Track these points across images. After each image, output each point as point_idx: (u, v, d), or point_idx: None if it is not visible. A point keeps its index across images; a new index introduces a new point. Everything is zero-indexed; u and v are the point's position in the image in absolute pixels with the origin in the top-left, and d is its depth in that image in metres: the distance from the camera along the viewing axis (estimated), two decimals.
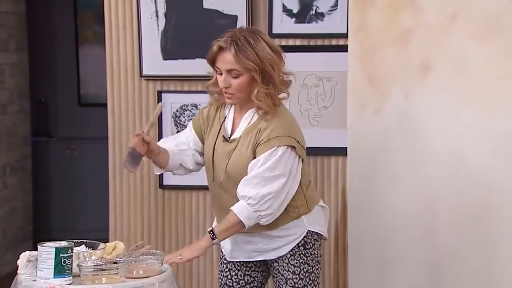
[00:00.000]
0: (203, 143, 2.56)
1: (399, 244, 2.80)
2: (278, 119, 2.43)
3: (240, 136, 2.45)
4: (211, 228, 2.42)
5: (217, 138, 2.50)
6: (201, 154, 2.58)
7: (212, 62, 2.43)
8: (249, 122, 2.45)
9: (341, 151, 3.17)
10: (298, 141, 2.44)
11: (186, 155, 2.56)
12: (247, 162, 2.42)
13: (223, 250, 2.60)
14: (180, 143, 2.57)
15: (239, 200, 2.42)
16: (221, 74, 2.41)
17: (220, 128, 2.50)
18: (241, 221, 2.39)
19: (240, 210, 2.39)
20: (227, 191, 2.47)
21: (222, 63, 2.39)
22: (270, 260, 2.54)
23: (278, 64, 2.41)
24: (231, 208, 2.41)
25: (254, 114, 2.45)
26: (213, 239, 2.41)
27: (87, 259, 2.31)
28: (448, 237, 2.68)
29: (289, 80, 2.47)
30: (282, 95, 2.48)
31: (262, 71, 2.37)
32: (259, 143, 2.41)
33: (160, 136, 3.48)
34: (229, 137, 2.48)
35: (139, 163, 2.47)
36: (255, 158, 2.42)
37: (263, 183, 2.38)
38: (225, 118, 2.51)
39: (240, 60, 2.36)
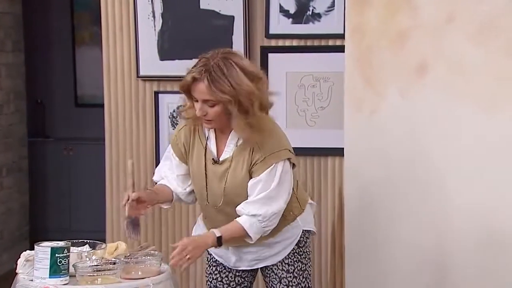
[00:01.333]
0: (186, 164, 2.52)
1: (396, 243, 2.80)
2: (267, 133, 2.40)
3: (232, 156, 2.42)
4: (220, 235, 2.39)
5: (205, 162, 2.46)
6: (186, 175, 2.53)
7: (187, 91, 2.37)
8: (237, 141, 2.42)
9: (338, 152, 3.17)
10: (289, 150, 2.44)
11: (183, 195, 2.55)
12: (243, 182, 2.41)
13: (221, 259, 2.59)
14: (176, 185, 2.54)
15: (238, 216, 2.41)
16: (197, 101, 2.36)
17: (205, 151, 2.46)
18: (250, 236, 2.40)
19: (250, 225, 2.39)
20: (223, 212, 2.46)
21: (197, 93, 2.34)
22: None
23: (255, 93, 2.31)
24: (241, 222, 2.39)
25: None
26: (219, 244, 2.40)
27: (87, 259, 2.31)
28: (447, 235, 2.69)
29: (270, 102, 2.40)
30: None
31: (238, 102, 2.30)
32: (255, 162, 2.39)
33: (157, 139, 3.47)
34: (218, 159, 2.45)
35: (140, 226, 2.44)
36: (251, 177, 2.41)
37: (270, 201, 2.39)
38: (207, 138, 2.47)
39: (214, 92, 2.30)
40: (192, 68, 2.36)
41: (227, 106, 2.32)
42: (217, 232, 2.38)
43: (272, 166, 2.38)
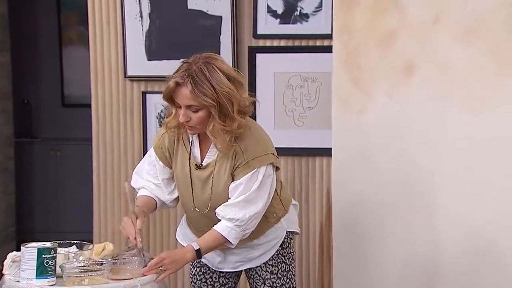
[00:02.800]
0: (170, 168, 2.50)
1: (384, 243, 2.81)
2: (251, 138, 2.39)
3: (216, 161, 2.41)
4: (198, 247, 2.38)
5: (190, 167, 2.45)
6: (170, 179, 2.52)
7: (170, 98, 2.36)
8: (220, 146, 2.40)
9: (326, 152, 3.17)
10: (273, 154, 2.43)
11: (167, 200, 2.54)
12: (227, 187, 2.40)
13: (205, 260, 2.58)
14: (161, 192, 2.52)
15: (219, 220, 2.40)
16: (180, 107, 2.34)
17: (189, 156, 2.45)
18: (230, 242, 2.40)
19: (228, 232, 2.38)
20: (208, 217, 2.45)
21: (180, 98, 2.33)
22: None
23: (236, 96, 2.32)
24: (218, 230, 2.39)
25: (228, 139, 2.38)
26: (198, 257, 2.40)
27: (74, 259, 2.30)
28: (434, 237, 2.70)
29: (248, 106, 2.38)
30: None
31: (219, 106, 2.30)
32: (237, 166, 2.38)
33: (144, 139, 3.47)
34: (201, 164, 2.44)
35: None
36: (233, 180, 2.40)
37: (248, 205, 2.38)
38: (191, 143, 2.46)
39: (197, 96, 2.29)
40: (174, 73, 2.35)
41: (210, 110, 2.31)
42: (195, 245, 2.38)
43: (254, 170, 2.37)
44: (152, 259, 2.33)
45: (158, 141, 2.50)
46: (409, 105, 2.72)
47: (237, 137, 2.38)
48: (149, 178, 2.52)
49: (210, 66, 2.32)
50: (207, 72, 2.30)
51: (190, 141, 2.46)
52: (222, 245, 2.42)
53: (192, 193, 2.46)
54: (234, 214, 2.37)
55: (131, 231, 2.34)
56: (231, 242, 2.40)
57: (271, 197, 2.44)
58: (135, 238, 2.33)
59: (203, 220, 2.47)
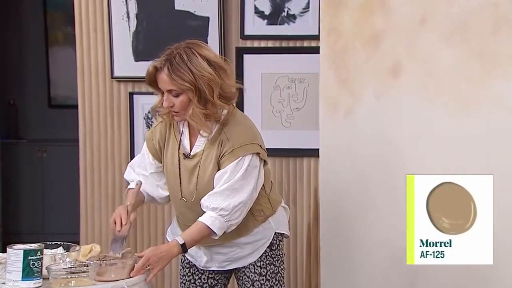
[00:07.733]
0: (160, 162, 2.51)
1: (370, 245, 2.82)
2: (237, 127, 2.40)
3: (203, 150, 2.42)
4: (183, 241, 2.37)
5: (179, 157, 2.46)
6: (159, 173, 2.53)
7: (153, 84, 2.38)
8: (208, 135, 2.41)
9: (313, 152, 3.18)
10: (260, 146, 2.43)
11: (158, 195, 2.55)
12: (212, 176, 2.40)
13: (193, 259, 2.58)
14: (151, 187, 2.54)
15: (204, 213, 2.39)
16: (163, 93, 2.37)
17: (179, 146, 2.46)
18: (214, 232, 2.38)
19: (212, 222, 2.37)
20: (195, 210, 2.44)
21: (161, 83, 2.35)
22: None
23: (216, 81, 2.32)
24: (203, 221, 2.38)
25: (212, 126, 2.41)
26: (184, 251, 2.39)
27: (61, 261, 2.29)
28: None
29: (233, 92, 2.38)
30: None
31: (198, 91, 2.31)
32: (223, 154, 2.38)
33: (132, 140, 3.46)
34: (189, 153, 2.45)
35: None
36: (219, 169, 2.40)
37: (233, 194, 2.37)
38: (181, 134, 2.47)
39: (174, 80, 2.31)
40: (156, 59, 2.38)
41: (190, 95, 2.33)
42: (180, 240, 2.37)
43: (239, 159, 2.37)
44: (140, 257, 2.32)
45: (151, 133, 2.53)
46: (395, 106, 2.73)
47: (224, 125, 2.39)
48: (139, 170, 2.55)
49: (189, 51, 2.34)
50: (186, 56, 2.32)
51: (181, 131, 2.47)
52: (208, 236, 2.40)
53: (180, 183, 2.46)
54: (218, 204, 2.37)
55: (124, 216, 2.35)
56: (215, 233, 2.38)
57: (257, 190, 2.43)
58: (121, 224, 2.33)
59: (191, 213, 2.46)
